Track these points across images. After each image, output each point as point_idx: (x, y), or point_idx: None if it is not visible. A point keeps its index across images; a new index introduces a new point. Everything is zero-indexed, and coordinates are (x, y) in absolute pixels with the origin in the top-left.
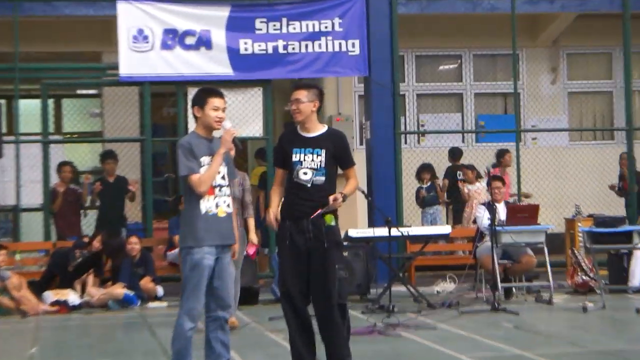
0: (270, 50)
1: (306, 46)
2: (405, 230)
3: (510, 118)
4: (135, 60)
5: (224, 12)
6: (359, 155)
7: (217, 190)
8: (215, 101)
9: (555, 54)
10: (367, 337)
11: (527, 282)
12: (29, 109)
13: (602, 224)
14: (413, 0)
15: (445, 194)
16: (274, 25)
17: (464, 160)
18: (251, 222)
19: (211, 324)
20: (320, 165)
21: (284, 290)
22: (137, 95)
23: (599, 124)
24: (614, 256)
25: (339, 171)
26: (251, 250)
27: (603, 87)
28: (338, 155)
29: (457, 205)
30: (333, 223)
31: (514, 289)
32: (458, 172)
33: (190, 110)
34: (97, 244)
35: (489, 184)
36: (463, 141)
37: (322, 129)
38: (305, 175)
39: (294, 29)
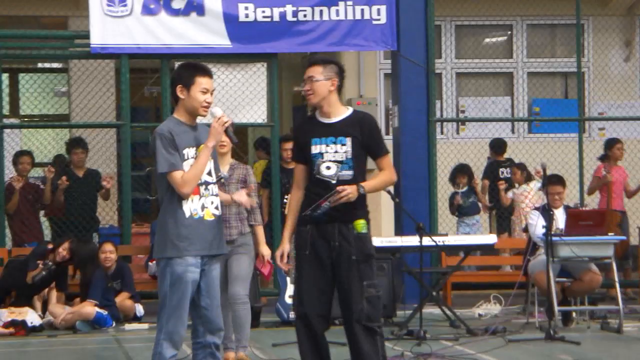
0: (276, 18)
1: (320, 12)
2: (440, 240)
3: (571, 103)
4: (110, 28)
5: None
6: None
7: (202, 188)
8: (204, 81)
9: (629, 24)
10: None
11: (591, 305)
12: None
13: None
14: None
15: (487, 197)
16: None
17: (513, 155)
18: (260, 232)
19: (200, 351)
20: (346, 157)
21: (300, 312)
22: (113, 71)
23: None
24: None
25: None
26: (266, 270)
27: None
28: (367, 143)
29: (502, 211)
30: (364, 230)
31: (574, 314)
32: (501, 170)
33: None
34: (63, 251)
35: (544, 185)
36: (513, 131)
37: (345, 112)
38: (328, 170)
39: None
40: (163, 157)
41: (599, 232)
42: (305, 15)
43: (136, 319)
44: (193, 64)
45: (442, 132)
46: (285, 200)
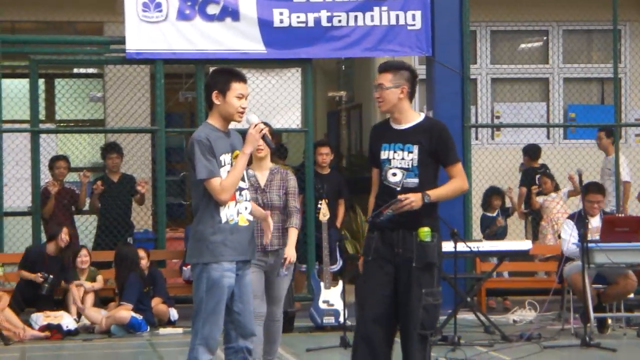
0: (311, 23)
1: (355, 18)
2: (474, 245)
3: (608, 109)
4: (145, 33)
5: None
6: None
7: (237, 194)
8: (239, 87)
9: None
10: None
11: (627, 311)
12: (15, 91)
13: None
14: None
15: (523, 204)
16: None
17: (548, 161)
18: (293, 234)
19: (232, 356)
20: (412, 165)
21: (360, 317)
22: (148, 76)
23: None
24: None
25: None
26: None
27: None
28: (436, 151)
29: (538, 218)
30: (428, 239)
31: (609, 320)
32: (537, 177)
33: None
34: (65, 236)
35: (585, 193)
36: (548, 137)
37: (417, 118)
38: (394, 176)
39: None
40: (202, 164)
41: (634, 239)
42: (340, 21)
43: (170, 323)
44: (228, 70)
45: (476, 138)
46: (319, 206)
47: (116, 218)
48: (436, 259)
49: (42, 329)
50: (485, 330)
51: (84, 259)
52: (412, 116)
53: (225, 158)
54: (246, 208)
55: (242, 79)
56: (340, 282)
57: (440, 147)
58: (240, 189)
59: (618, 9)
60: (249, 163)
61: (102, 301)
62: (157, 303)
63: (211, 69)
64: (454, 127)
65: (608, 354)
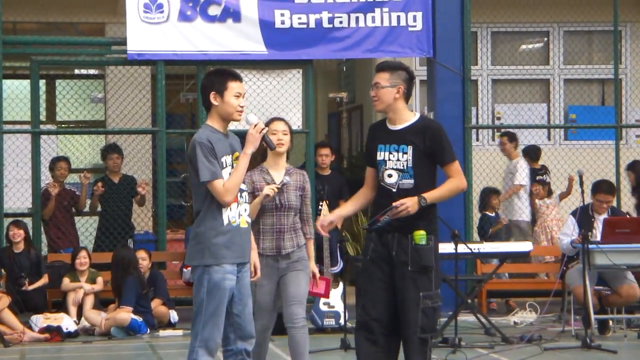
0: (312, 24)
1: (357, 19)
2: (475, 247)
3: (608, 110)
4: (146, 34)
5: None
6: None
7: (238, 196)
8: (236, 86)
9: None
10: None
11: (628, 313)
12: (16, 92)
13: None
14: None
15: None
16: None
17: (549, 162)
18: (310, 246)
19: (231, 359)
20: (406, 166)
21: (360, 320)
22: (149, 77)
23: None
24: None
25: None
26: (321, 289)
27: None
28: (431, 151)
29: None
30: (423, 242)
31: (611, 322)
32: (538, 178)
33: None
34: (12, 232)
35: (595, 191)
36: (549, 138)
37: (411, 119)
38: (390, 177)
39: None
40: (204, 166)
41: (635, 241)
42: (341, 22)
43: (170, 325)
44: (222, 70)
45: (477, 139)
46: (320, 207)
47: (116, 219)
48: (432, 262)
49: (42, 330)
50: (486, 332)
51: (83, 260)
52: (407, 116)
53: (227, 160)
54: (245, 210)
55: (238, 78)
56: (341, 284)
57: (435, 147)
58: (241, 191)
59: (618, 9)
60: (264, 160)
61: (102, 303)
62: (157, 305)
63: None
64: (455, 128)
65: (609, 356)
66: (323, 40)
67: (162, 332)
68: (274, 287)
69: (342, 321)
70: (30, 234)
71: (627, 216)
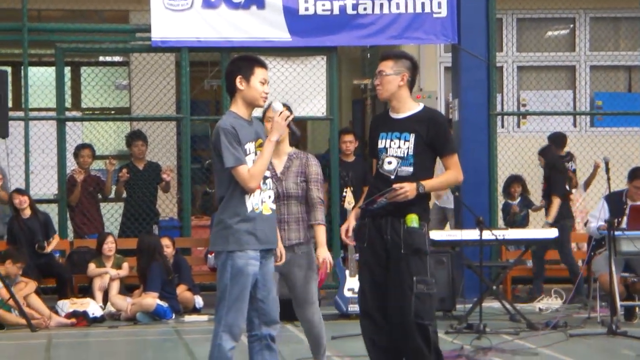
0: (336, 11)
1: (381, 6)
2: (500, 233)
3: (635, 97)
4: (170, 22)
5: None
6: None
7: (261, 183)
8: (262, 72)
9: None
10: None
11: None
12: (41, 79)
13: None
14: None
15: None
16: None
17: (575, 149)
18: (320, 232)
19: (256, 344)
20: (407, 153)
21: (362, 307)
22: (173, 64)
23: None
24: None
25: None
26: (319, 274)
27: None
28: (432, 141)
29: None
30: (415, 225)
31: (637, 309)
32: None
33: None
34: (17, 200)
35: (631, 178)
36: (575, 125)
37: (415, 108)
38: (389, 164)
39: None
40: (229, 152)
41: None
42: (365, 9)
43: (195, 310)
44: (248, 56)
45: (502, 126)
46: (344, 194)
47: (141, 205)
48: (425, 246)
49: (68, 315)
50: (511, 319)
51: (109, 246)
52: (411, 105)
53: (250, 147)
54: (269, 197)
55: (264, 65)
56: None
57: (438, 138)
58: (265, 177)
59: None
60: None
61: (127, 288)
62: (182, 290)
63: None
64: (480, 115)
65: (635, 342)
66: (347, 27)
67: (187, 318)
68: (277, 276)
69: None
70: (56, 220)
71: None
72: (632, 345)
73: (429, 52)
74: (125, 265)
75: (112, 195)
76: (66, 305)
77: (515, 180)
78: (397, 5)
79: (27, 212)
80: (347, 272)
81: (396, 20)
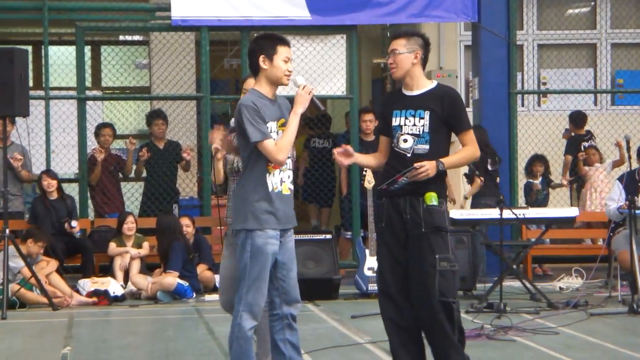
0: None
1: None
2: (520, 213)
3: None
4: (190, 0)
5: None
6: None
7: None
8: (285, 51)
9: None
10: (473, 342)
11: None
12: (61, 58)
13: None
14: None
15: (568, 172)
16: None
17: (595, 127)
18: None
19: (277, 323)
20: (423, 131)
21: (381, 287)
22: (193, 43)
23: None
24: None
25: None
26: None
27: None
28: (448, 118)
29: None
30: (434, 202)
31: None
32: (583, 144)
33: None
34: (45, 182)
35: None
36: (595, 103)
37: (429, 85)
38: (405, 142)
39: None
40: (253, 127)
41: None
42: None
43: (216, 289)
44: (271, 34)
45: (523, 105)
46: (364, 173)
47: (162, 185)
48: (445, 224)
49: (90, 294)
50: (532, 298)
51: (130, 225)
52: (424, 83)
53: (272, 125)
54: (289, 177)
55: (287, 43)
56: None
57: (453, 114)
58: None
59: None
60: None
61: (147, 267)
62: (202, 270)
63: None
64: (500, 93)
65: None
66: (367, 5)
67: (208, 297)
68: (230, 262)
69: None
70: (77, 199)
71: None
72: None
73: (449, 30)
74: (146, 244)
75: (133, 174)
76: (87, 284)
77: (537, 159)
78: None
79: (54, 195)
80: (367, 251)
81: None
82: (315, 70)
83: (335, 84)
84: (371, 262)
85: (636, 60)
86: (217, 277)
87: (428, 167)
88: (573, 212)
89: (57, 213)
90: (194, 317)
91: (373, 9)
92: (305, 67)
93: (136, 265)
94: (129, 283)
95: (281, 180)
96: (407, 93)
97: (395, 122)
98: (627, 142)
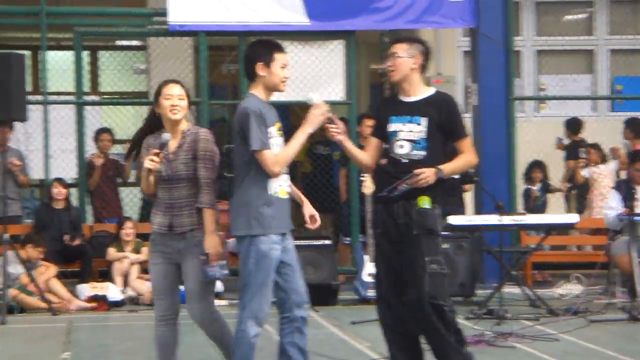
0: None
1: None
2: (520, 219)
3: None
4: (188, 6)
5: None
6: None
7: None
8: (282, 57)
9: None
10: (473, 349)
11: None
12: (59, 63)
13: None
14: None
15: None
16: None
17: (594, 134)
18: (208, 217)
19: (287, 326)
20: (419, 137)
21: (378, 292)
22: (191, 49)
23: None
24: None
25: None
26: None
27: None
28: (444, 125)
29: (581, 191)
30: (426, 206)
31: None
32: (580, 150)
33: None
34: (56, 189)
35: (632, 160)
36: (594, 110)
37: (426, 91)
38: (401, 148)
39: None
40: (256, 135)
41: None
42: None
43: (216, 295)
44: (267, 41)
45: (521, 111)
46: (362, 178)
47: None
48: (436, 227)
49: (88, 299)
50: (531, 304)
51: (128, 230)
52: (422, 89)
53: (272, 130)
54: (286, 181)
55: (283, 49)
56: None
57: (450, 121)
58: None
59: None
60: (160, 127)
61: (147, 272)
62: None
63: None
64: (498, 99)
65: None
66: (365, 11)
67: None
68: (168, 268)
69: None
70: (76, 204)
71: None
72: None
73: (448, 36)
74: (145, 249)
75: (132, 179)
76: (86, 290)
77: (536, 165)
78: None
79: (61, 204)
80: (366, 257)
81: (414, 4)
82: (314, 75)
83: (333, 90)
84: (370, 268)
85: (634, 67)
86: (217, 284)
87: (428, 174)
88: (573, 218)
89: (60, 222)
90: (192, 322)
91: (371, 15)
92: (303, 73)
93: (135, 270)
94: (128, 288)
95: (279, 185)
96: (404, 99)
97: (391, 127)
98: (627, 148)
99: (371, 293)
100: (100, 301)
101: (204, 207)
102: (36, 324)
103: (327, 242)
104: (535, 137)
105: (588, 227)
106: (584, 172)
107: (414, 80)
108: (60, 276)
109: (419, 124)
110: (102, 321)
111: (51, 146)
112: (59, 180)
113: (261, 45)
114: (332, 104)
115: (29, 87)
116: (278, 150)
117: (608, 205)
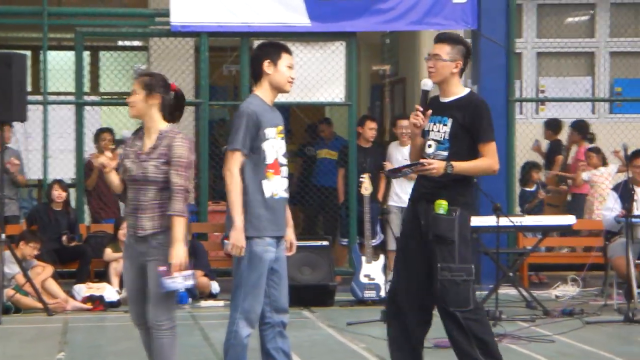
0: None
1: None
2: (517, 220)
3: None
4: (190, 6)
5: None
6: None
7: (282, 169)
8: (289, 58)
9: None
10: None
11: None
12: (60, 63)
13: None
14: None
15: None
16: None
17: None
18: (176, 226)
19: (269, 331)
20: (444, 137)
21: (390, 295)
22: (192, 49)
23: None
24: None
25: None
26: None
27: None
28: (469, 127)
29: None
30: (442, 211)
31: None
32: (562, 147)
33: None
34: (56, 192)
35: (631, 159)
36: (594, 111)
37: (459, 93)
38: (429, 148)
39: None
40: (239, 135)
41: None
42: None
43: (212, 296)
44: (275, 42)
45: (521, 112)
46: (361, 179)
47: None
48: (451, 234)
49: (85, 300)
50: (527, 306)
51: (125, 231)
52: (457, 90)
53: (270, 132)
54: (285, 183)
55: (290, 51)
56: (382, 256)
57: (474, 124)
58: (281, 165)
59: None
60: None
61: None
62: (198, 276)
63: (255, 42)
64: (499, 101)
65: None
66: (367, 12)
67: (204, 303)
68: (137, 273)
69: (382, 293)
70: (74, 204)
71: None
72: None
73: None
74: None
75: None
76: (82, 290)
77: (533, 166)
78: None
79: (60, 206)
80: (363, 258)
81: (416, 6)
82: (314, 76)
83: (334, 91)
84: (367, 269)
85: (634, 69)
86: (213, 284)
87: (435, 166)
88: (570, 220)
89: (57, 224)
90: (189, 322)
91: (373, 16)
92: (304, 74)
93: None
94: (124, 289)
95: (277, 187)
96: (441, 99)
97: (427, 127)
98: (625, 151)
99: (368, 294)
100: (96, 302)
101: (173, 215)
102: (32, 324)
103: (325, 243)
104: (535, 139)
105: (588, 228)
106: (584, 176)
107: (452, 83)
108: (57, 277)
109: (445, 125)
110: (98, 322)
111: (50, 146)
112: (59, 182)
113: (268, 45)
114: (333, 105)
115: (29, 87)
116: (274, 153)
117: (606, 206)
